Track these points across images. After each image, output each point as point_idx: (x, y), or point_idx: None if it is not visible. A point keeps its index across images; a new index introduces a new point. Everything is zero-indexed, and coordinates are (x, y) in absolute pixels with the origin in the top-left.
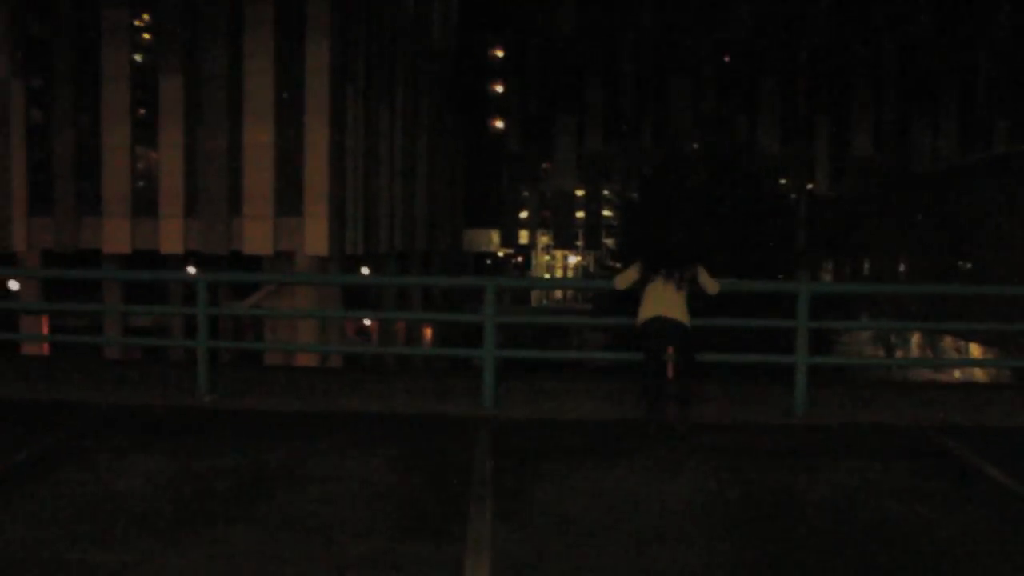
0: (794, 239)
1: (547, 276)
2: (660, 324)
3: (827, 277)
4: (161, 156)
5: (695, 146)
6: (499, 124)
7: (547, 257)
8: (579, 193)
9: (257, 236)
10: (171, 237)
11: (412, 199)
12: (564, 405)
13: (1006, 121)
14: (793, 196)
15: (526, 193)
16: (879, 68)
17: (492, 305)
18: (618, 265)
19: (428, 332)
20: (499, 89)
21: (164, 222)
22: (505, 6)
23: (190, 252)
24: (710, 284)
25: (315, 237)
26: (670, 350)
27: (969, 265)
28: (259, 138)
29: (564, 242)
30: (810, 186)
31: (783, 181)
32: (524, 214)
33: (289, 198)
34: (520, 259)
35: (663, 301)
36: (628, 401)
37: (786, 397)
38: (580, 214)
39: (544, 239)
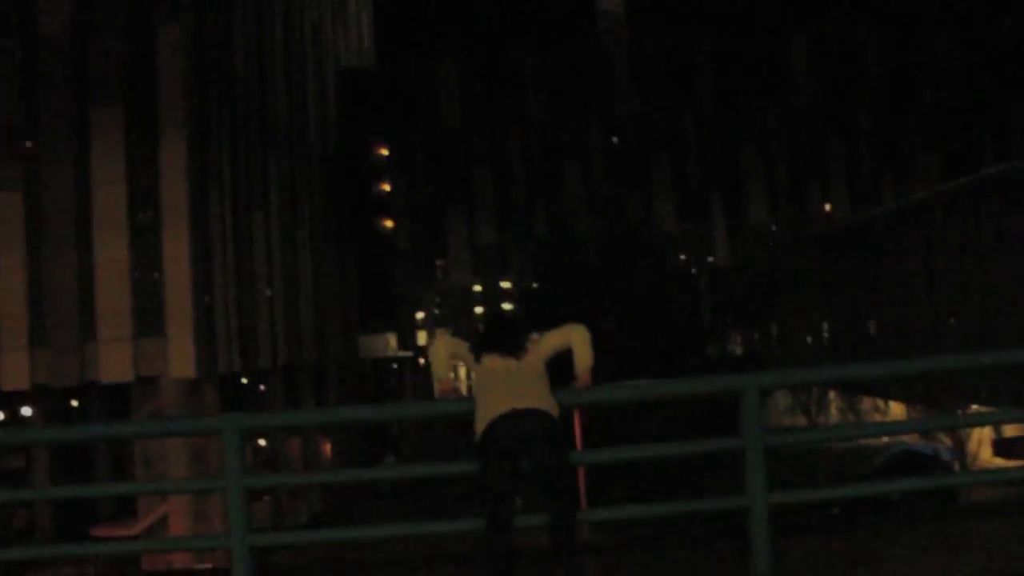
0: (700, 314)
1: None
2: (513, 424)
3: (737, 349)
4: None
5: (591, 229)
6: (388, 223)
7: None
8: (476, 288)
9: (115, 362)
10: (14, 371)
11: (296, 308)
12: None
13: (891, 176)
14: (694, 271)
15: (422, 292)
16: (765, 136)
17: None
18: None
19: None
20: (386, 188)
21: (5, 356)
22: (386, 102)
23: (38, 386)
24: (580, 348)
25: (180, 358)
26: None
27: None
28: (112, 253)
29: (463, 339)
30: (710, 259)
31: (683, 257)
32: (420, 314)
33: (150, 317)
34: (422, 361)
35: (511, 385)
36: None
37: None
38: (479, 309)
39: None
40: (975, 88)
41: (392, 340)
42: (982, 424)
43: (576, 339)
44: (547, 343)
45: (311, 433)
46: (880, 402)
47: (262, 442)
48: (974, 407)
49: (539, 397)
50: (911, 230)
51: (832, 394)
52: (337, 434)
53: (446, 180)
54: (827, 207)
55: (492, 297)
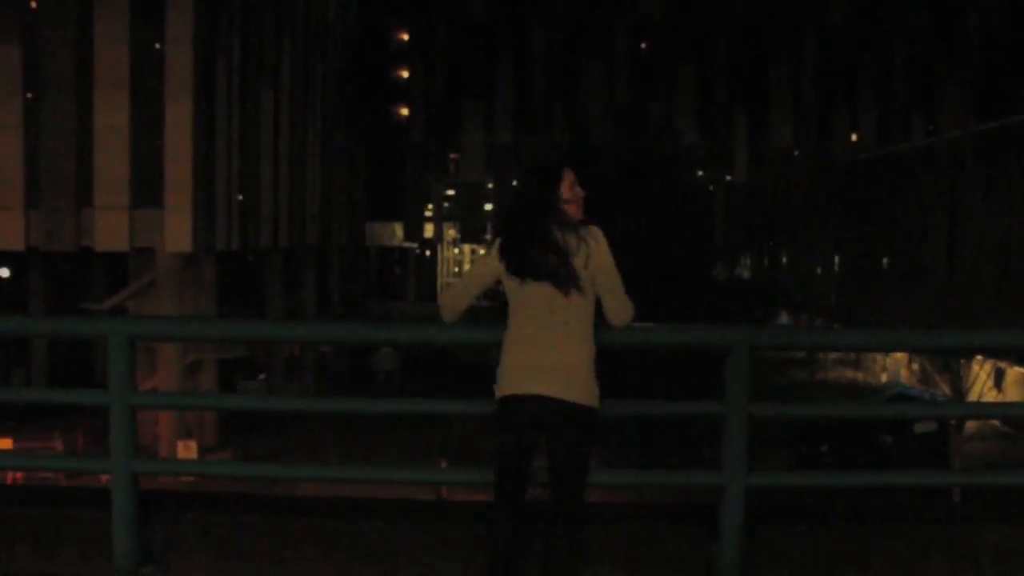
0: (712, 232)
1: (455, 270)
2: (535, 412)
3: (745, 272)
4: None
5: (608, 135)
6: (403, 111)
7: (455, 251)
8: (488, 185)
9: (111, 230)
10: (8, 232)
11: (302, 191)
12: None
13: (922, 113)
14: (711, 187)
15: (432, 184)
16: (797, 57)
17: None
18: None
19: None
20: (403, 74)
21: (0, 214)
22: None
23: (31, 249)
24: (617, 300)
25: (177, 231)
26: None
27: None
28: (112, 117)
29: (472, 236)
30: (728, 177)
31: (700, 173)
32: (430, 207)
33: (148, 187)
34: (427, 253)
35: (544, 340)
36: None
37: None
38: (488, 207)
39: (451, 232)
40: (1018, 30)
41: (399, 230)
42: None
43: (617, 304)
44: (605, 281)
45: (310, 313)
46: None
47: None
48: (979, 358)
49: (577, 376)
50: (936, 169)
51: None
52: (335, 317)
53: (465, 73)
54: (853, 137)
55: (503, 195)
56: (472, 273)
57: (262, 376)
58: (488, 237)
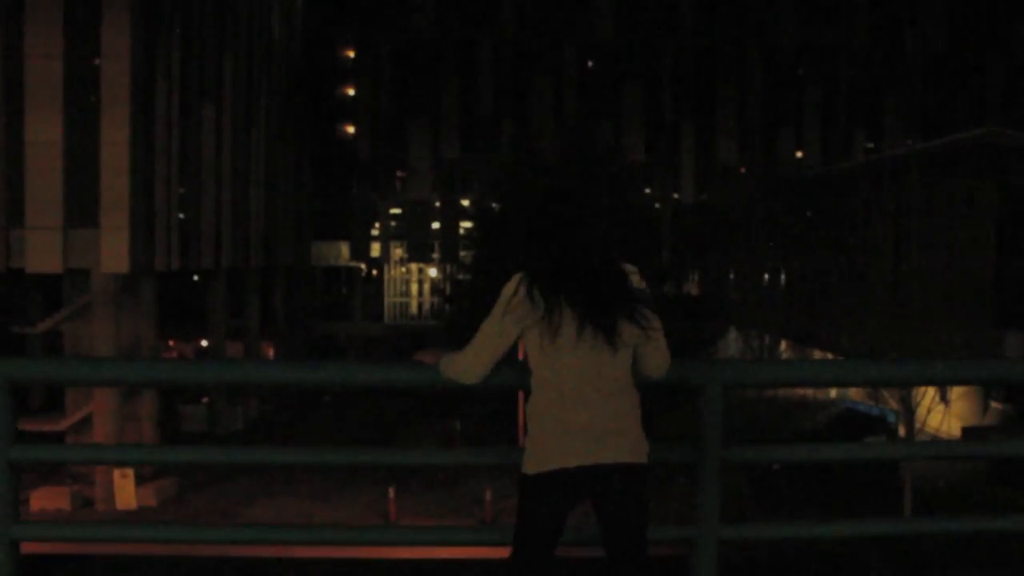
0: (660, 249)
1: (403, 290)
2: (589, 486)
3: (693, 290)
4: None
5: (556, 153)
6: (350, 129)
7: (402, 270)
8: (435, 204)
9: (43, 251)
10: None
11: (246, 209)
12: None
13: (865, 131)
14: (657, 206)
15: (378, 203)
16: (743, 76)
17: None
18: (464, 278)
19: None
20: (350, 92)
21: None
22: (356, 2)
23: None
24: (660, 351)
25: (114, 251)
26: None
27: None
28: (45, 134)
29: (419, 255)
30: (675, 195)
31: (647, 191)
32: (376, 226)
33: (84, 206)
34: (374, 273)
35: (594, 404)
36: None
37: None
38: (436, 225)
39: (398, 252)
40: (959, 49)
41: (345, 249)
42: None
43: (657, 353)
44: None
45: (252, 338)
46: (830, 356)
47: (204, 343)
48: None
49: (634, 431)
50: (881, 186)
51: (784, 344)
52: (280, 339)
53: (412, 90)
54: (798, 154)
55: (450, 215)
56: (490, 334)
57: (205, 400)
58: (435, 256)
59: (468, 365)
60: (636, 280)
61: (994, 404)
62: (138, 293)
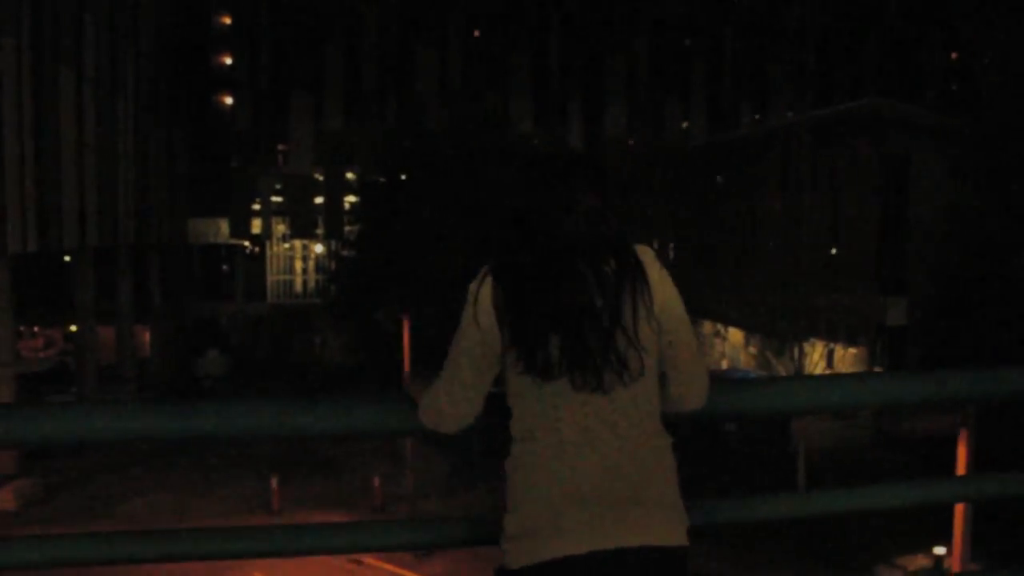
0: None
1: (286, 268)
2: (611, 570)
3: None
4: None
5: (443, 124)
6: (227, 100)
7: (285, 247)
8: (318, 177)
9: None
10: None
11: (113, 185)
12: None
13: (752, 102)
14: None
15: (259, 177)
16: (632, 45)
17: None
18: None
19: None
20: (226, 61)
21: None
22: None
23: None
24: (693, 367)
25: None
26: None
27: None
28: None
29: (302, 231)
30: None
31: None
32: (257, 201)
33: None
34: (256, 250)
35: (604, 449)
36: None
37: None
38: (319, 200)
39: (281, 228)
40: (842, 22)
41: (224, 226)
42: None
43: (696, 375)
44: (676, 339)
45: (125, 321)
46: (720, 327)
47: (74, 328)
48: (812, 339)
49: (667, 496)
50: (767, 156)
51: None
52: (157, 322)
53: (293, 59)
54: (684, 125)
55: (335, 189)
56: (463, 352)
57: (74, 389)
58: (319, 231)
59: (437, 410)
60: (656, 274)
61: (878, 370)
62: None
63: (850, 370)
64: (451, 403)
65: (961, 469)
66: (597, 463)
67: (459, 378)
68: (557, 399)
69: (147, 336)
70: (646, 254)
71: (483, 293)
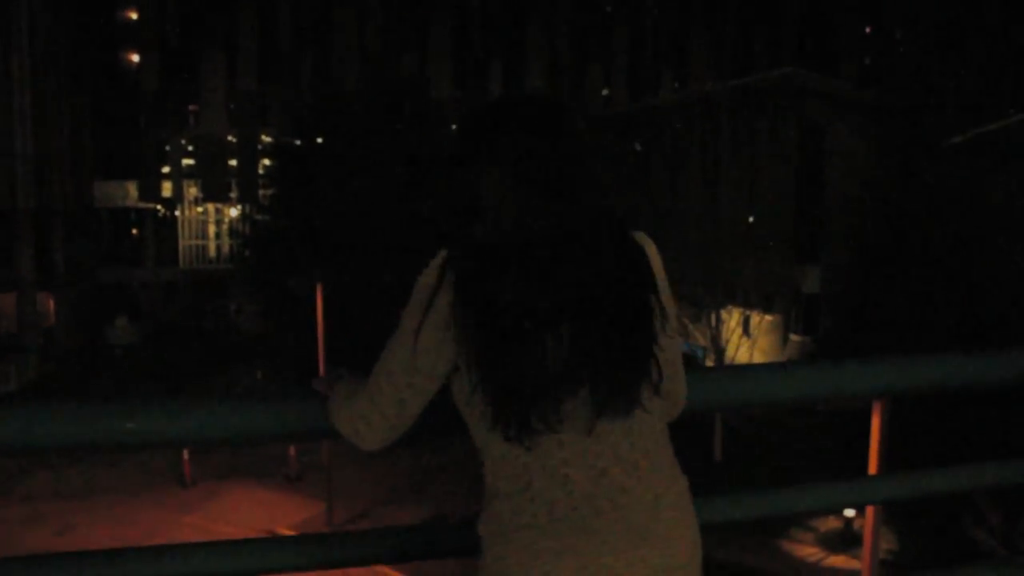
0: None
1: (199, 232)
2: None
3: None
4: None
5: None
6: (134, 58)
7: (198, 211)
8: (230, 138)
9: None
10: None
11: (8, 144)
12: None
13: (671, 69)
14: None
15: (169, 139)
16: (552, 10)
17: None
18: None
19: None
20: (132, 16)
21: None
22: None
23: None
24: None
25: None
26: None
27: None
28: None
29: (215, 194)
30: None
31: (455, 127)
32: (168, 163)
33: None
34: (167, 214)
35: (621, 500)
36: None
37: None
38: (233, 162)
39: (193, 191)
40: None
41: (133, 189)
42: None
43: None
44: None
45: (27, 288)
46: None
47: None
48: (730, 307)
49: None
50: (689, 124)
51: None
52: (61, 289)
53: (203, 15)
54: (604, 92)
55: (248, 151)
56: (386, 375)
57: None
58: (232, 195)
59: (355, 430)
60: (659, 267)
61: (793, 337)
62: None
63: (768, 338)
64: (369, 429)
65: (875, 439)
66: (618, 514)
67: (379, 406)
68: (551, 441)
69: (51, 303)
70: (650, 249)
71: (441, 297)
